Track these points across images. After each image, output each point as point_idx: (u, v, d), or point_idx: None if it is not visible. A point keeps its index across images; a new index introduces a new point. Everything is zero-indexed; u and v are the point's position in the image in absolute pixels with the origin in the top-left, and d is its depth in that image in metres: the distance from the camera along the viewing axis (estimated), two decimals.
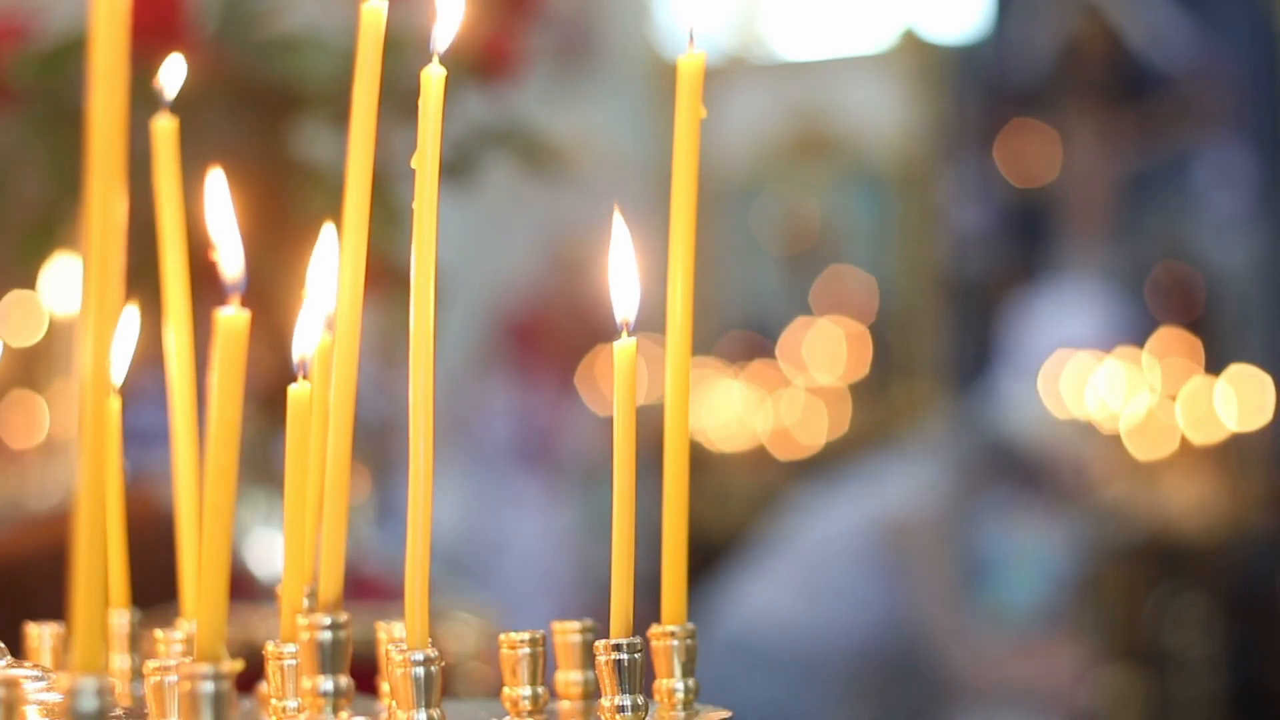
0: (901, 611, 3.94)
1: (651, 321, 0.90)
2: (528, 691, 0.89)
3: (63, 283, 2.24)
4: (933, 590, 3.95)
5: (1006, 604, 4.25)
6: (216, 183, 0.79)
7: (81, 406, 0.67)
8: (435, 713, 0.84)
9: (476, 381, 5.67)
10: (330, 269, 0.90)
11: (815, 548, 4.01)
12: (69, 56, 1.75)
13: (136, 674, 0.98)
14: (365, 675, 0.88)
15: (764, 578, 4.05)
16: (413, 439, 0.85)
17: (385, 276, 1.75)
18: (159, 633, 0.97)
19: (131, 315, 0.97)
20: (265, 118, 1.87)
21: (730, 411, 6.64)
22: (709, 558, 4.55)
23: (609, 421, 0.90)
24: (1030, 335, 4.71)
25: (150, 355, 1.05)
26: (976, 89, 6.58)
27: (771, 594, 3.98)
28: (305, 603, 0.89)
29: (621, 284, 0.88)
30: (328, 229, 0.88)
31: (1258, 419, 5.42)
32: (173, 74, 0.98)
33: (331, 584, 0.83)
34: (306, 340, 0.88)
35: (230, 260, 0.75)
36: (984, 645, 4.01)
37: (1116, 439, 5.05)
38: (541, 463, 5.40)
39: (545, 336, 5.67)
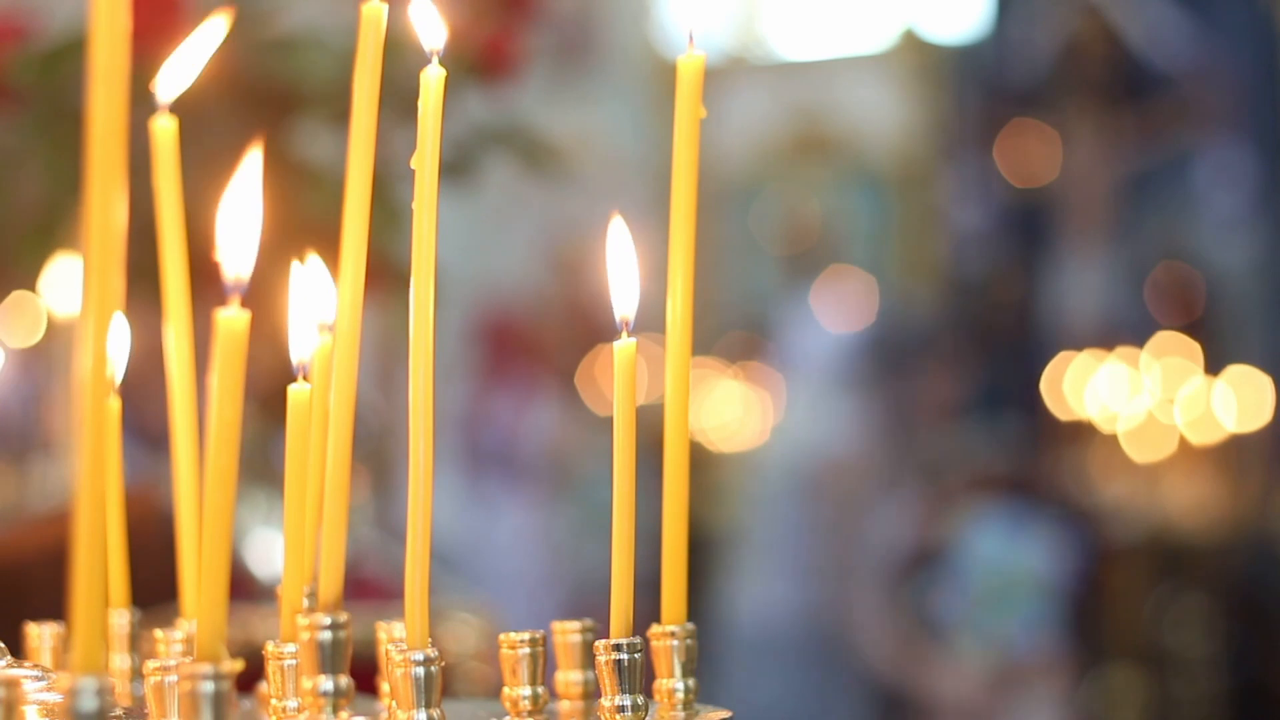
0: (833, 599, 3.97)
1: (651, 321, 0.90)
2: (528, 691, 0.89)
3: (63, 283, 2.23)
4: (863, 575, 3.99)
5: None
6: (247, 182, 0.77)
7: (81, 406, 0.66)
8: (435, 713, 0.84)
9: (475, 381, 5.67)
10: (325, 273, 0.90)
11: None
12: (69, 56, 1.75)
13: (136, 674, 0.98)
14: (365, 675, 0.88)
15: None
16: (413, 439, 0.85)
17: (385, 276, 1.74)
18: (159, 633, 0.97)
19: (123, 324, 0.96)
20: (265, 118, 1.86)
21: (730, 411, 6.64)
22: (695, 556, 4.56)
23: (589, 422, 0.90)
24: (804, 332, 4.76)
25: (151, 356, 1.05)
26: (976, 89, 6.57)
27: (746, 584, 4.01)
28: (305, 603, 0.89)
29: (619, 285, 0.88)
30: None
31: (1257, 420, 5.42)
32: (176, 75, 0.97)
33: (331, 584, 0.82)
34: (303, 341, 0.88)
35: (241, 261, 0.74)
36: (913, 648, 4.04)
37: (1115, 440, 5.06)
38: (519, 463, 5.39)
39: (539, 336, 5.66)
